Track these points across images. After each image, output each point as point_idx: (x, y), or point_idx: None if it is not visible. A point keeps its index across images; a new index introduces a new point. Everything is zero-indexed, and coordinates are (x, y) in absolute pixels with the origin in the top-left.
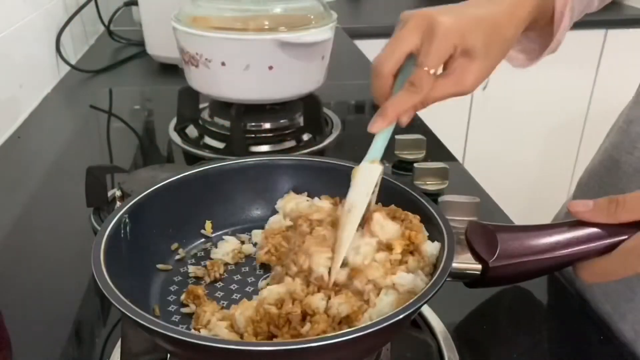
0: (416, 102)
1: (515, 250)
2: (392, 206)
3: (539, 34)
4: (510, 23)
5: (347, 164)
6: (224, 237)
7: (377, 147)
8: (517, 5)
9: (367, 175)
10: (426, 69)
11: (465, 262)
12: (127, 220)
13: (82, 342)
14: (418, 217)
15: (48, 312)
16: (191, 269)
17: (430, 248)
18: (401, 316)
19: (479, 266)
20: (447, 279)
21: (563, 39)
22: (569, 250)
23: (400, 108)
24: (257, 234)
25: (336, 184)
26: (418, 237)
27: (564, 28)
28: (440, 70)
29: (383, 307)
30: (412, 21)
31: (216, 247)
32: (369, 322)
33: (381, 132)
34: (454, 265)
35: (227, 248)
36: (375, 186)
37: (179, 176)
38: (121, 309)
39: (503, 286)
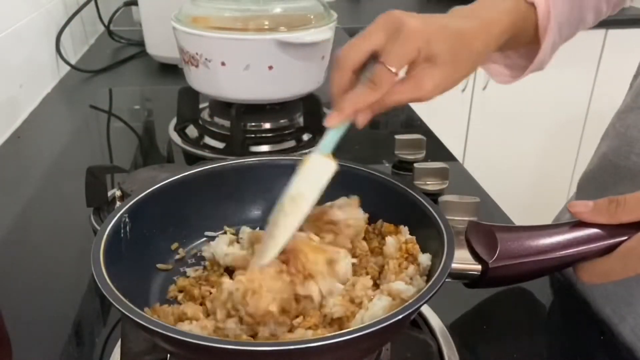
0: (373, 100)
1: (515, 251)
2: (380, 222)
3: (527, 50)
4: (479, 38)
5: (347, 164)
6: (219, 236)
7: (329, 139)
8: (491, 23)
9: (321, 168)
10: (387, 66)
11: (465, 263)
12: (127, 220)
13: (82, 342)
14: (407, 228)
15: (48, 312)
16: (191, 269)
17: (424, 259)
18: (401, 316)
19: (479, 266)
20: (447, 279)
21: (549, 57)
22: (569, 250)
23: (357, 104)
24: (244, 231)
25: (335, 184)
26: (415, 247)
27: (548, 44)
28: (402, 74)
29: (376, 310)
30: (381, 20)
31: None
32: (368, 322)
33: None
34: (454, 265)
35: (217, 247)
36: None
37: (179, 176)
38: (121, 309)
39: (503, 287)
